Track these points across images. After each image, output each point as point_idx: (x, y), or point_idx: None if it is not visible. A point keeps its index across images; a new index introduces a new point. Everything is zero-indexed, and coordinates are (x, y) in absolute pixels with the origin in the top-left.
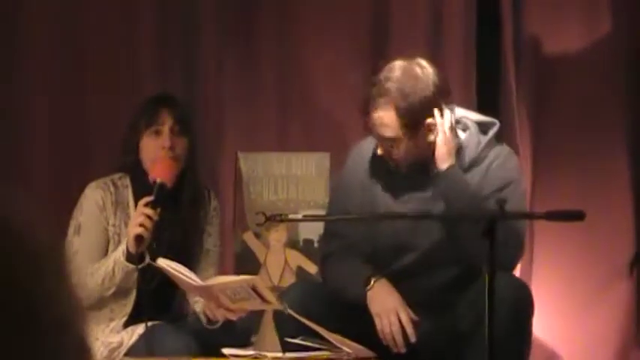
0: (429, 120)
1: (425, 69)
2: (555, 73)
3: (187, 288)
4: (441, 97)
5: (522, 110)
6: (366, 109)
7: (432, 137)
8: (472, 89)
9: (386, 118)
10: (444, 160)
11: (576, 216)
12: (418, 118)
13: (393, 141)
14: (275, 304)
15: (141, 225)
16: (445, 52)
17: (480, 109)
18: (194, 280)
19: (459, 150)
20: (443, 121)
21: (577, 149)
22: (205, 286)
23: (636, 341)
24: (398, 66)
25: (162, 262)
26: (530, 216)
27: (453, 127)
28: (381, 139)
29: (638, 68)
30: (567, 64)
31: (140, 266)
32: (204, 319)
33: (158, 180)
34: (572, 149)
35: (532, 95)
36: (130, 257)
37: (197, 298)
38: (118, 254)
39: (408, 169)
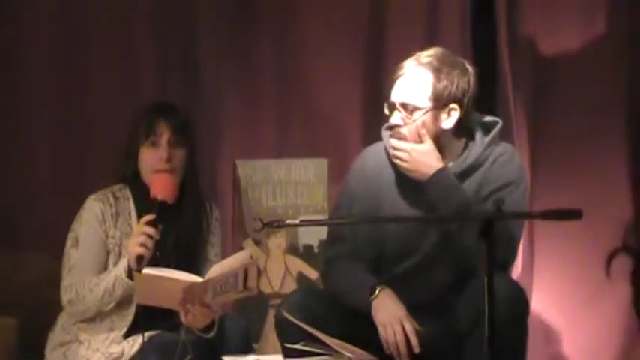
0: (453, 104)
1: (462, 61)
2: (552, 72)
3: (174, 298)
4: (470, 93)
5: (519, 109)
6: (396, 73)
7: (447, 124)
8: None
9: (421, 81)
10: (430, 167)
11: (573, 215)
12: (449, 95)
13: (413, 110)
14: (254, 289)
15: (142, 244)
16: None
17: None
18: (189, 278)
19: (464, 151)
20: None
21: (575, 148)
22: (203, 282)
23: (638, 340)
24: (437, 49)
25: (149, 270)
26: (527, 216)
27: (452, 130)
28: (402, 107)
29: (635, 66)
30: (564, 63)
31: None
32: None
33: (159, 197)
34: (570, 148)
35: (529, 94)
36: (130, 274)
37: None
38: (119, 271)
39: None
